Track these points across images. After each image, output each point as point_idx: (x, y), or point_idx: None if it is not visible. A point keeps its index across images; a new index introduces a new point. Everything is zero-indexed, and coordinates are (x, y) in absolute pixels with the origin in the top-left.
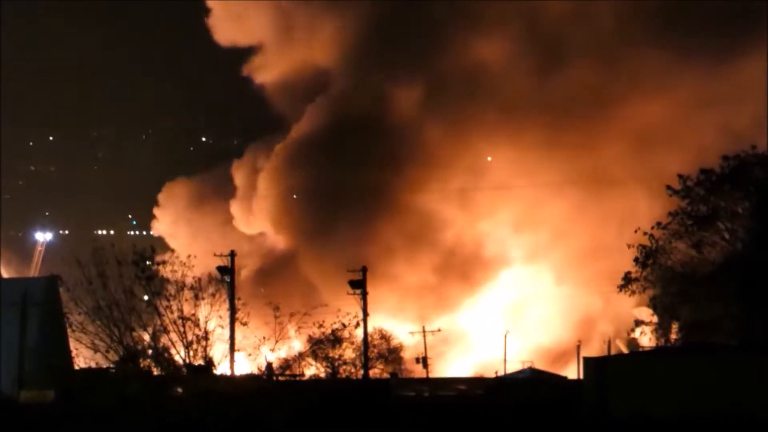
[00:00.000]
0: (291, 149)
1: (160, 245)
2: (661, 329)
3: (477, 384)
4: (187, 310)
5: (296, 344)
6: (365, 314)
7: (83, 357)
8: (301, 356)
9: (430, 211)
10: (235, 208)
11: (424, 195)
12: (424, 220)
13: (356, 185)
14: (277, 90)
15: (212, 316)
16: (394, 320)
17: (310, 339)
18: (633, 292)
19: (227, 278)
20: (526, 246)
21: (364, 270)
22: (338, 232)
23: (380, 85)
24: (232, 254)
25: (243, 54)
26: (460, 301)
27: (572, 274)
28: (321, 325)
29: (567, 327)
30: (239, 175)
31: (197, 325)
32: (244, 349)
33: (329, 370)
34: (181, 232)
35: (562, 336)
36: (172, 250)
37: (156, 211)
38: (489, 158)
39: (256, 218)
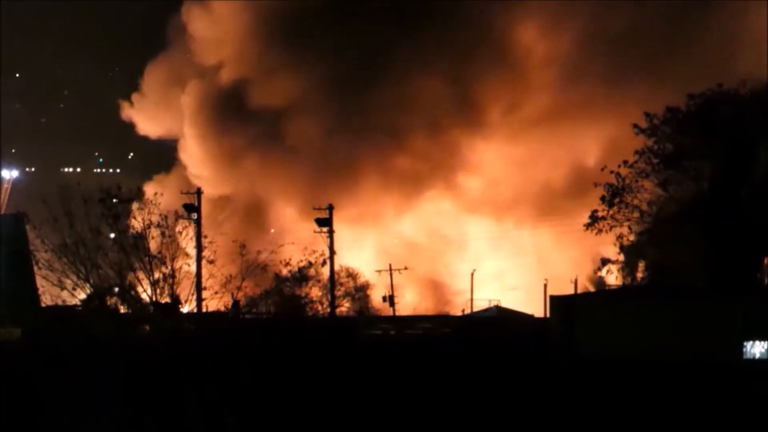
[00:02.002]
0: None
1: (126, 183)
2: (628, 268)
3: (443, 322)
4: (154, 247)
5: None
6: (332, 252)
7: (50, 295)
8: (267, 294)
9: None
10: None
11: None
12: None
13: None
14: None
15: (179, 254)
16: (362, 259)
17: (277, 277)
18: (600, 231)
19: (194, 215)
20: (489, 185)
21: (331, 208)
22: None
23: None
24: (199, 192)
25: None
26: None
27: (537, 211)
28: (287, 263)
29: (533, 265)
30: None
31: (164, 263)
32: (210, 287)
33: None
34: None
35: (528, 274)
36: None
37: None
38: None
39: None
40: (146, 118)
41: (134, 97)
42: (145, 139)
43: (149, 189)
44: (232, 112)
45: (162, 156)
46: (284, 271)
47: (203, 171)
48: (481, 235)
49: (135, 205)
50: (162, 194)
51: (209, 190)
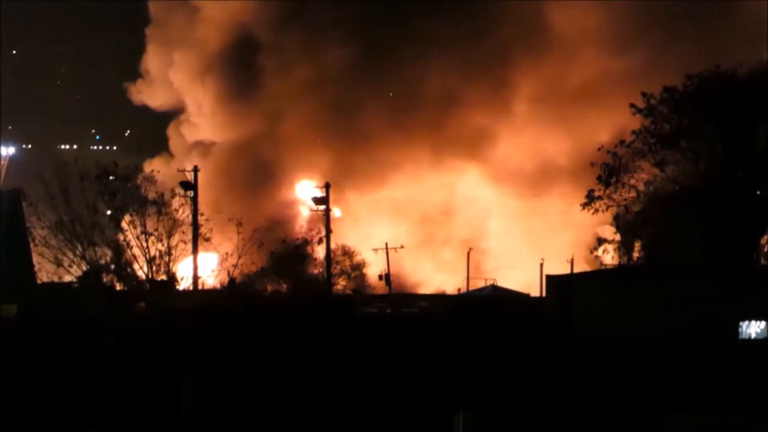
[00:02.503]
0: None
1: (123, 160)
2: (624, 248)
3: (440, 301)
4: (150, 225)
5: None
6: (328, 230)
7: (46, 272)
8: (263, 272)
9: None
10: None
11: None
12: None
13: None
14: None
15: (175, 232)
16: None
17: (273, 255)
18: (596, 211)
19: (191, 193)
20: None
21: (327, 186)
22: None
23: None
24: (195, 169)
25: None
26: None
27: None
28: (284, 241)
29: (530, 244)
30: None
31: (160, 240)
32: (207, 264)
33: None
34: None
35: (525, 253)
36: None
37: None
38: None
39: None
40: (153, 90)
41: (141, 68)
42: (143, 117)
43: (149, 167)
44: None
45: (160, 134)
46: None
47: (210, 117)
48: (482, 213)
49: (138, 180)
50: (159, 171)
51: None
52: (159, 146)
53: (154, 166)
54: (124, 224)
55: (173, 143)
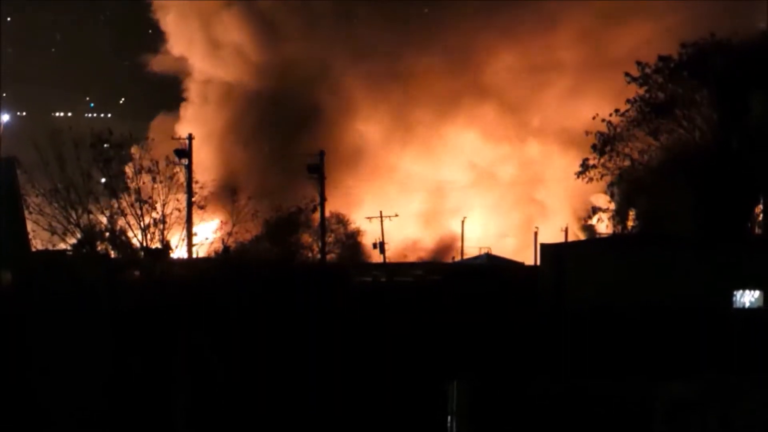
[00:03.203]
0: None
1: (117, 128)
2: (618, 216)
3: (434, 269)
4: (145, 193)
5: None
6: (322, 199)
7: (40, 239)
8: (257, 240)
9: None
10: None
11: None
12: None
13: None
14: None
15: (169, 200)
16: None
17: (267, 223)
18: (591, 179)
19: (185, 161)
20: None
21: (322, 154)
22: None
23: None
24: (190, 138)
25: None
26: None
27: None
28: (278, 209)
29: (524, 213)
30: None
31: (154, 208)
32: (201, 232)
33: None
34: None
35: (519, 222)
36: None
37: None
38: None
39: None
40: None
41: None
42: (138, 84)
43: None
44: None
45: (156, 100)
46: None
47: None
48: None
49: (133, 149)
50: (153, 139)
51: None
52: (154, 114)
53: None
54: (118, 192)
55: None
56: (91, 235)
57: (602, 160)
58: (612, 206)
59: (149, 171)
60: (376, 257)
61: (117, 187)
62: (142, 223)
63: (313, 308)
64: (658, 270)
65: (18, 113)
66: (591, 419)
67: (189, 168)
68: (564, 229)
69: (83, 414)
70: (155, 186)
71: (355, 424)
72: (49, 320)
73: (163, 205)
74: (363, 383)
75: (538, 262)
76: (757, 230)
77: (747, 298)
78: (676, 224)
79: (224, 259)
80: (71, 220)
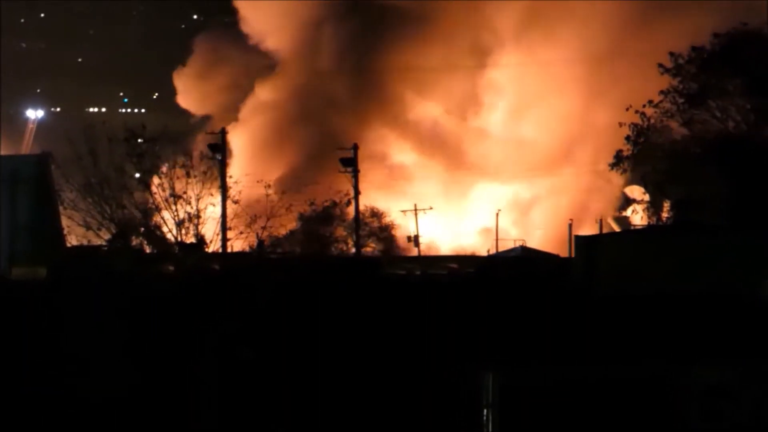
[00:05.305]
0: None
1: (151, 122)
2: (653, 207)
3: (468, 262)
4: (179, 187)
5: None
6: (356, 192)
7: (75, 234)
8: (292, 234)
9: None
10: None
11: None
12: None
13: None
14: None
15: (204, 194)
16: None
17: (302, 217)
18: (625, 171)
19: (218, 156)
20: (516, 125)
21: (355, 147)
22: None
23: None
24: (223, 131)
25: None
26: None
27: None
28: (312, 203)
29: (559, 206)
30: None
31: (189, 203)
32: (235, 227)
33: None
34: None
35: (555, 214)
36: None
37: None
38: None
39: None
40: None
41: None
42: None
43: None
44: None
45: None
46: (308, 212)
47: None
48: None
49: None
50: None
51: None
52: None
53: None
54: (153, 187)
55: None
56: (125, 229)
57: (636, 151)
58: (646, 197)
59: (183, 166)
60: (412, 252)
61: (151, 182)
62: (176, 218)
63: (344, 300)
64: (692, 259)
65: (52, 109)
66: (625, 405)
67: (222, 162)
68: (598, 220)
69: (113, 401)
70: (189, 180)
71: (386, 418)
72: (81, 311)
73: (198, 200)
74: (397, 376)
75: (573, 255)
76: None
77: None
78: (710, 214)
79: (258, 252)
80: (105, 215)
